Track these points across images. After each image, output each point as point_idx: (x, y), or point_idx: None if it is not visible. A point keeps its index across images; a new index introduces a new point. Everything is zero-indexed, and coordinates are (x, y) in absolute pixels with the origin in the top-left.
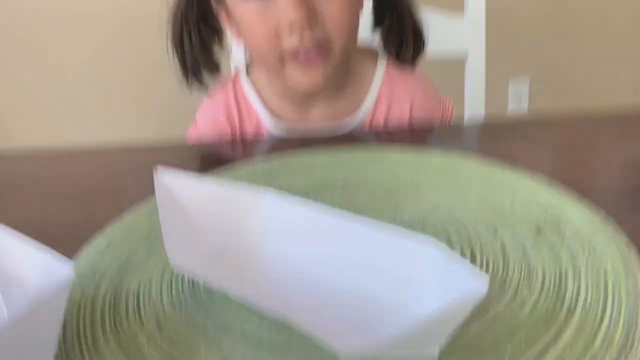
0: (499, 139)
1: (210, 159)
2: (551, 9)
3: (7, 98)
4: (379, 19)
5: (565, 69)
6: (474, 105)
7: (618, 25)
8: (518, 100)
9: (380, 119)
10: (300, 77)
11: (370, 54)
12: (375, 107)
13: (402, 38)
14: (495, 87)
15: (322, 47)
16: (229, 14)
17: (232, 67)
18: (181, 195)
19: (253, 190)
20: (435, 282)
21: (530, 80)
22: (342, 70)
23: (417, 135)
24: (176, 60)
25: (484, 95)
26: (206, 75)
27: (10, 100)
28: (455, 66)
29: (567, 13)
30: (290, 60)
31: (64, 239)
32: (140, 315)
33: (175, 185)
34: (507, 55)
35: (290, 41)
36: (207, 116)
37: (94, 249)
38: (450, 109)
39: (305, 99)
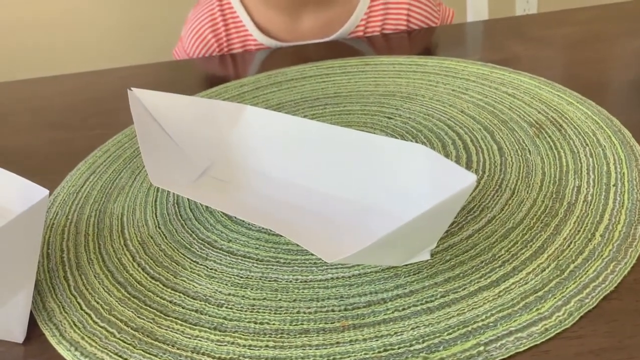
0: (500, 41)
1: (197, 76)
2: None
3: None
4: None
5: None
6: (477, 12)
7: None
8: (525, 4)
9: (375, 29)
10: None
11: None
12: (368, 17)
13: None
14: None
15: None
16: None
17: None
18: (159, 114)
19: (233, 105)
20: (424, 186)
21: None
22: None
23: (413, 41)
24: None
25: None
26: None
27: None
28: None
29: None
30: None
31: (48, 165)
32: (124, 237)
33: (152, 105)
34: None
35: None
36: (192, 31)
37: (77, 174)
38: (450, 17)
39: (294, 9)
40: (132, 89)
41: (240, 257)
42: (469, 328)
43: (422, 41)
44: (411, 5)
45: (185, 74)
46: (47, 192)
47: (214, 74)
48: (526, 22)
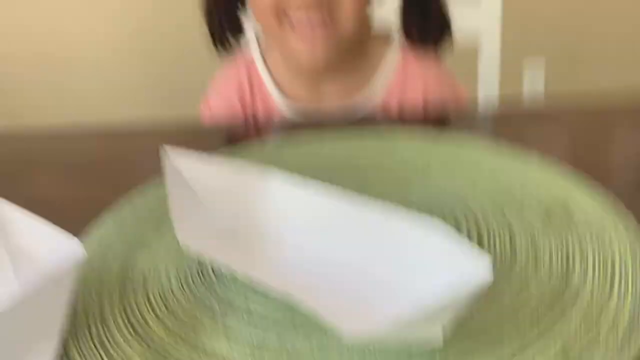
0: (512, 126)
1: (222, 139)
2: None
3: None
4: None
5: (582, 49)
6: (488, 88)
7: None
8: (533, 82)
9: (392, 103)
10: (302, 47)
11: (386, 38)
12: (388, 91)
13: (425, 19)
14: (510, 68)
15: (327, 22)
16: None
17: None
18: (190, 175)
19: (262, 171)
20: (440, 266)
21: (545, 62)
22: (355, 50)
23: (429, 120)
24: (205, 24)
25: (498, 77)
26: (231, 40)
27: (22, 76)
28: (470, 46)
29: None
30: (292, 31)
31: (73, 218)
32: (148, 294)
33: (184, 165)
34: (522, 35)
35: (295, 8)
36: (219, 93)
37: (103, 228)
38: (464, 95)
39: (316, 78)
40: (165, 147)
41: (258, 317)
42: None
43: (437, 116)
44: (428, 80)
45: (208, 132)
46: (79, 244)
47: (237, 133)
48: (535, 104)
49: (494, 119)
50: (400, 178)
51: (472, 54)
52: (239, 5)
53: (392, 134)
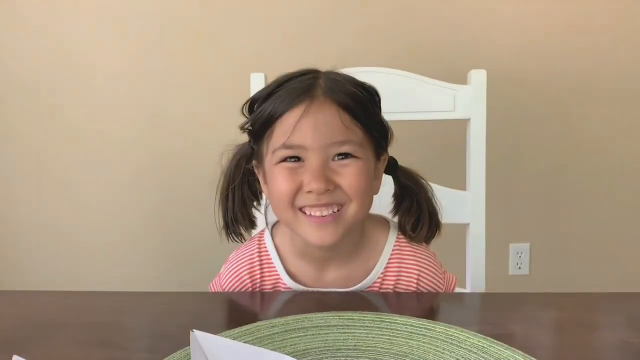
0: (496, 315)
1: (231, 309)
2: (550, 181)
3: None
4: (398, 203)
5: (565, 235)
6: (475, 269)
7: (618, 193)
8: (518, 264)
9: (388, 286)
10: (312, 233)
11: (383, 222)
12: (384, 276)
13: (419, 220)
14: (496, 251)
15: (334, 212)
16: (265, 176)
17: (265, 221)
18: (213, 356)
19: (276, 356)
20: None
21: (530, 246)
22: (355, 236)
23: (422, 302)
24: (220, 213)
25: (484, 259)
26: (242, 229)
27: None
28: (459, 233)
29: (565, 185)
30: (305, 217)
31: None
32: None
33: (208, 348)
34: (506, 224)
35: (307, 199)
36: (231, 271)
37: None
38: (453, 284)
39: (320, 261)
40: (194, 330)
41: None
42: None
43: (429, 303)
44: (421, 271)
45: (220, 307)
46: None
47: (246, 308)
48: (520, 301)
49: (480, 305)
50: None
51: (462, 240)
52: (255, 204)
53: (389, 316)
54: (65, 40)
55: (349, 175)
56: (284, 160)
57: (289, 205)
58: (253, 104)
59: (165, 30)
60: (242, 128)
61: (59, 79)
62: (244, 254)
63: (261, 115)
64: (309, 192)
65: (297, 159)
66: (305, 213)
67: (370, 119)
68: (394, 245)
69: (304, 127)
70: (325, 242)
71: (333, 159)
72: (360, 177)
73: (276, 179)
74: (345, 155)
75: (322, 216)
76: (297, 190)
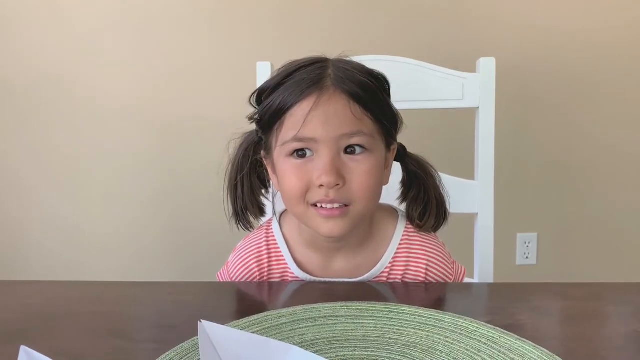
0: (506, 306)
1: (239, 299)
2: (558, 170)
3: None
4: (406, 191)
5: (573, 225)
6: (483, 259)
7: (624, 184)
8: (526, 254)
9: (397, 275)
10: (321, 224)
11: (391, 212)
12: (392, 266)
13: (426, 208)
14: (503, 241)
15: (343, 205)
16: (273, 167)
17: (273, 211)
18: (220, 347)
19: (283, 346)
20: None
21: (538, 235)
22: (364, 227)
23: (430, 292)
24: (229, 202)
25: (492, 249)
26: (252, 217)
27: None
28: (466, 222)
29: (573, 174)
30: (314, 209)
31: None
32: None
33: (216, 338)
34: (514, 213)
35: (318, 195)
36: (239, 260)
37: None
38: (462, 274)
39: (329, 251)
40: (202, 321)
41: None
42: None
43: (437, 293)
44: (429, 260)
45: (227, 297)
46: None
47: (254, 299)
48: (529, 291)
49: (488, 295)
50: (407, 352)
51: (471, 229)
52: (263, 192)
53: (397, 306)
54: (72, 33)
55: (359, 174)
56: (294, 152)
57: (301, 201)
58: (261, 94)
59: (170, 17)
60: (251, 119)
61: (62, 74)
62: (252, 243)
63: (270, 107)
64: (320, 185)
65: (307, 152)
66: (316, 206)
67: (381, 108)
68: (403, 235)
69: (314, 120)
70: (334, 234)
71: (345, 151)
72: (371, 175)
73: (286, 175)
74: (357, 148)
75: (331, 209)
76: (308, 187)
